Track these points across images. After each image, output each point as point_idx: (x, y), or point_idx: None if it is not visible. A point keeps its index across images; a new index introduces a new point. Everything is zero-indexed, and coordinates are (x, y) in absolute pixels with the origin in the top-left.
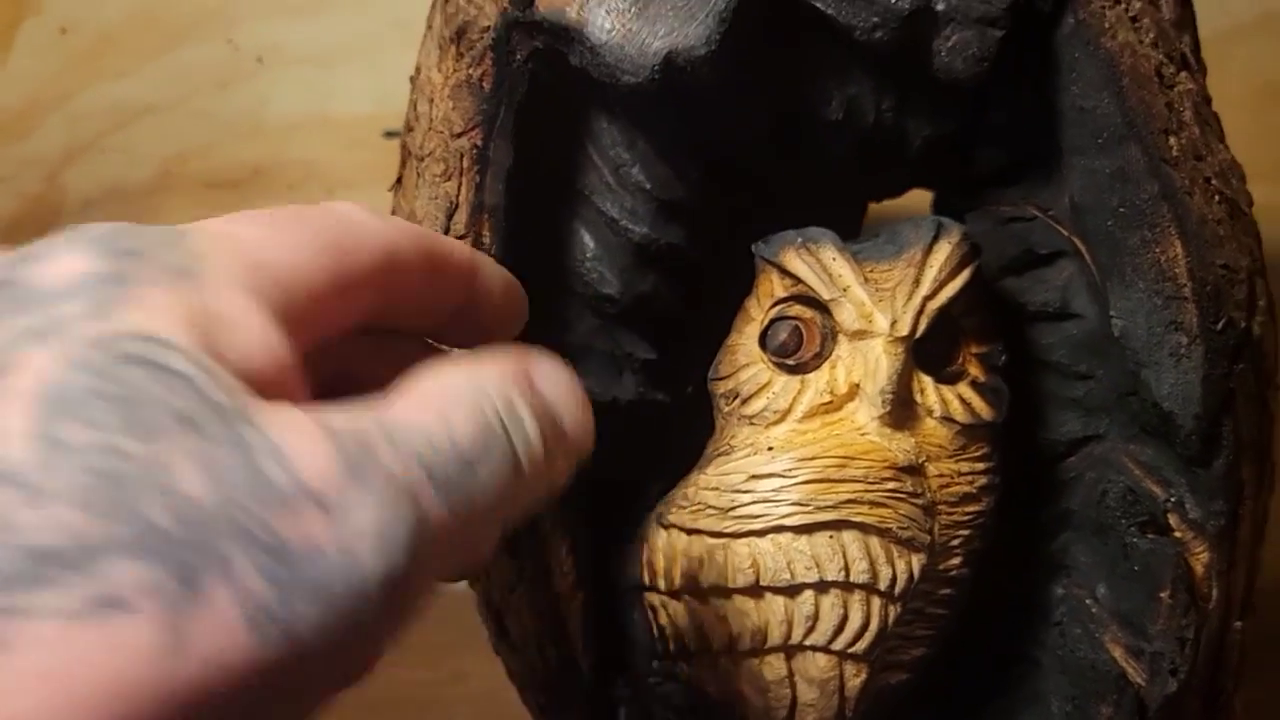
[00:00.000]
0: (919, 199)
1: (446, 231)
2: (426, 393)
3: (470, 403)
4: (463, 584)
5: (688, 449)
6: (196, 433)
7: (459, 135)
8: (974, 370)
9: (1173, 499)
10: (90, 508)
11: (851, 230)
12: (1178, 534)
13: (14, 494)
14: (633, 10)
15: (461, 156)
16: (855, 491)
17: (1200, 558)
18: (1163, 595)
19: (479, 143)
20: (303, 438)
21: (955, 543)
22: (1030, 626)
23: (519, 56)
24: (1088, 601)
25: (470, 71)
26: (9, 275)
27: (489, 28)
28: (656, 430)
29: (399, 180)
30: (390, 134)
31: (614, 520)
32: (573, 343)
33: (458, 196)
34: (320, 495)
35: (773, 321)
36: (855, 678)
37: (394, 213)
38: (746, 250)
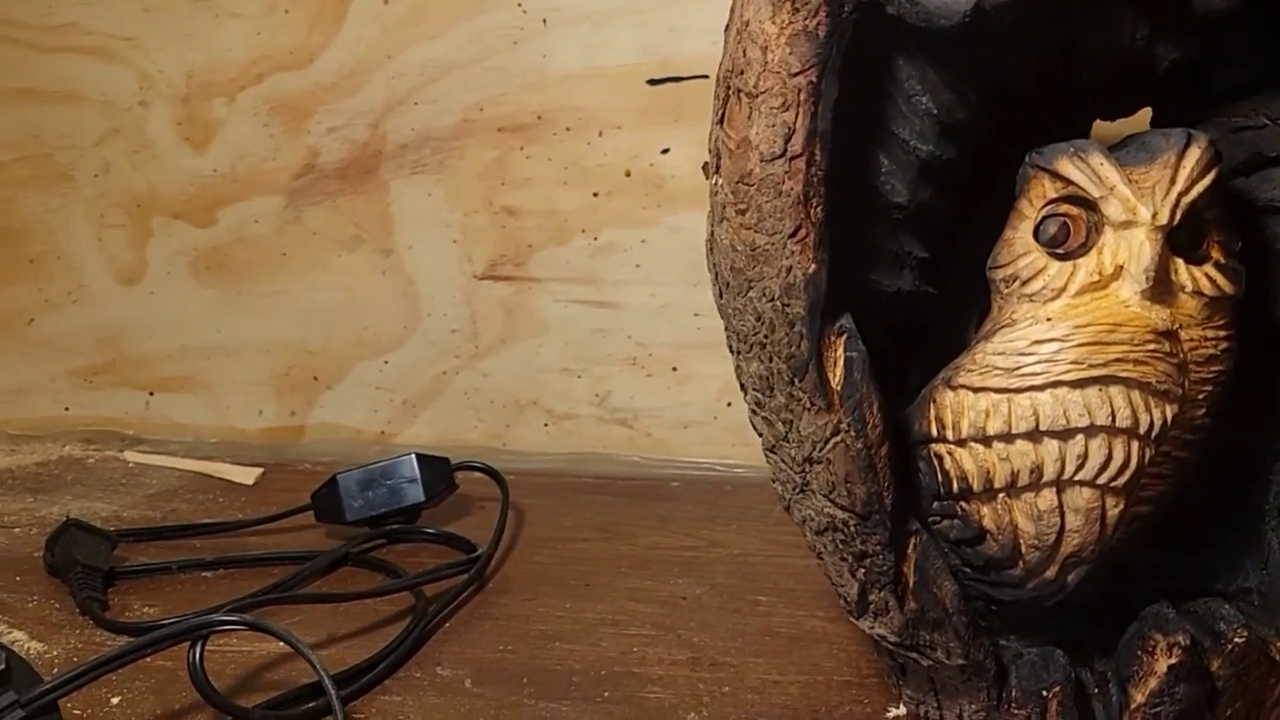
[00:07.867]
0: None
1: (783, 152)
2: None
3: None
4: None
5: (947, 332)
6: None
7: (796, 74)
8: (1216, 254)
9: None
10: None
11: None
12: None
13: None
14: None
15: (799, 91)
16: (1122, 352)
17: None
18: None
19: (814, 79)
20: None
21: (1201, 396)
22: (1257, 480)
23: (847, 8)
24: None
25: (806, 22)
26: None
27: None
28: (925, 317)
29: (722, 117)
30: (653, 81)
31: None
32: (868, 243)
33: (795, 123)
34: None
35: (1044, 218)
36: (1115, 508)
37: (712, 142)
38: (1004, 164)
